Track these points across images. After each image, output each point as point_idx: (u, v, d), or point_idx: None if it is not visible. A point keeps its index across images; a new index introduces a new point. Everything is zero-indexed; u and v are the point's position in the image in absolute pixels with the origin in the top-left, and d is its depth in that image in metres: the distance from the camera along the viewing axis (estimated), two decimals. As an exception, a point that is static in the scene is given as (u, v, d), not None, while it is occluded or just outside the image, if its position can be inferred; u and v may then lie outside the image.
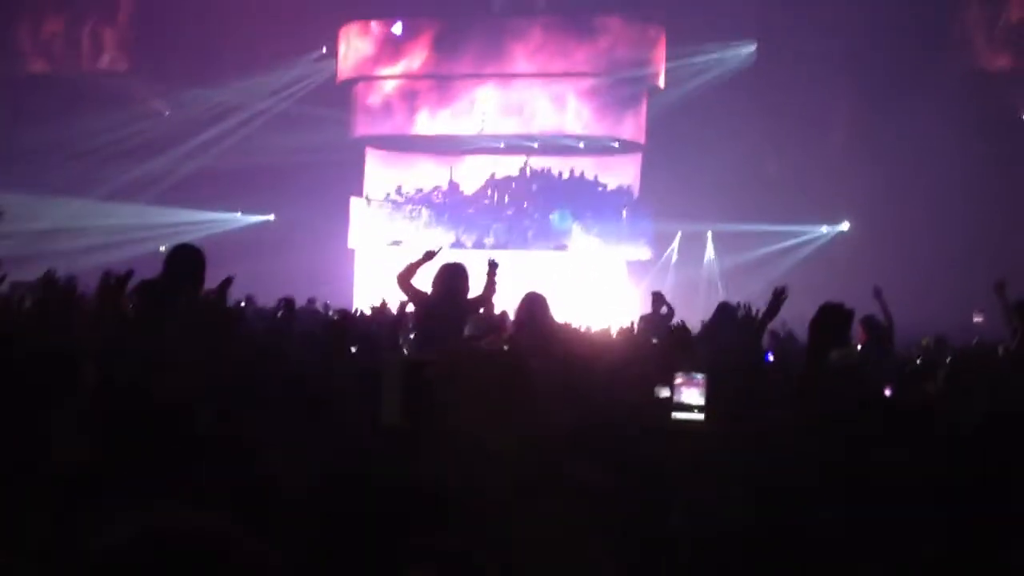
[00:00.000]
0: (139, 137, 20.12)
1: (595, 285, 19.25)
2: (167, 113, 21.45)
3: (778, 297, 6.19)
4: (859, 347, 7.92)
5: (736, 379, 5.40)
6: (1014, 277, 7.99)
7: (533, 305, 6.67)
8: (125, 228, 18.74)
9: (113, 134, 19.53)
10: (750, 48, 20.27)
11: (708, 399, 4.94)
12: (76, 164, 18.92)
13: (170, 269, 5.74)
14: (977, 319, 14.19)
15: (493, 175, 21.48)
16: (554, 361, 5.27)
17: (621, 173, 21.30)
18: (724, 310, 7.57)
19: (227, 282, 6.13)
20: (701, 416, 4.84)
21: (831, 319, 5.16)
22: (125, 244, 17.15)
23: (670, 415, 4.82)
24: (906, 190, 17.62)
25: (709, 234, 20.57)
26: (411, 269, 7.22)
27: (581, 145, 21.31)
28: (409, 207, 21.14)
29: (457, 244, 19.61)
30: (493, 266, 7.51)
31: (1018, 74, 19.37)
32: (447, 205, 21.17)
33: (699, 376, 4.93)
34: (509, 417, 2.40)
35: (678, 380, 4.98)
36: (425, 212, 20.98)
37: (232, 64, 20.82)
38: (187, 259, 5.80)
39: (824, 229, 20.24)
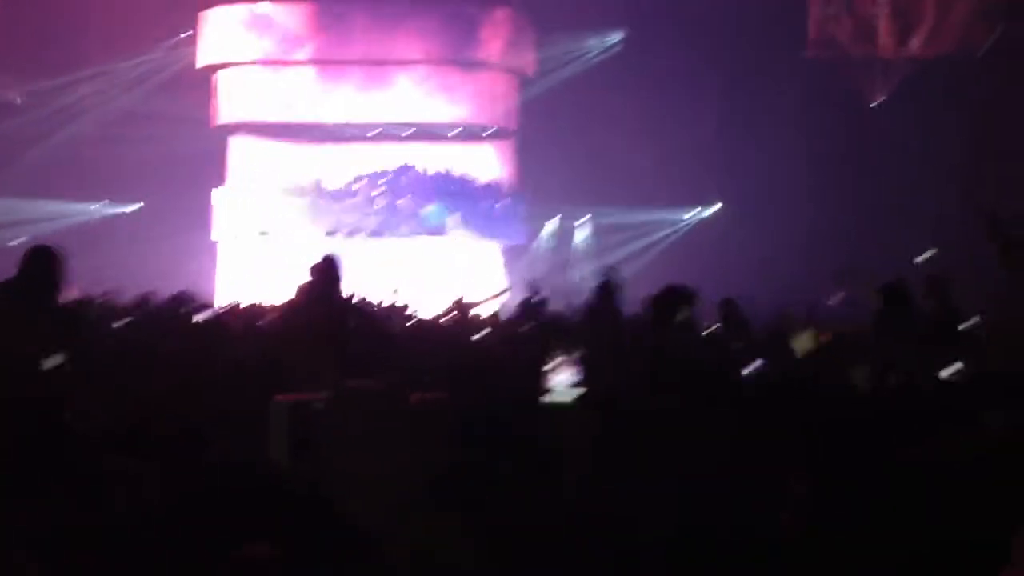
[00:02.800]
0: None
1: (469, 272, 19.17)
2: (18, 102, 20.44)
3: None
4: (716, 326, 7.99)
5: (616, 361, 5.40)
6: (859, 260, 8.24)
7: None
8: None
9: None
10: (617, 36, 20.56)
11: (583, 382, 4.93)
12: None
13: (24, 272, 5.45)
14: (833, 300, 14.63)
15: (365, 164, 21.09)
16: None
17: (494, 161, 21.25)
18: (603, 291, 7.60)
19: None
20: (572, 396, 4.76)
21: (667, 298, 5.33)
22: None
23: (541, 396, 4.76)
24: (773, 173, 18.12)
25: (582, 220, 20.77)
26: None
27: (454, 133, 21.17)
28: (279, 196, 20.59)
29: (330, 234, 19.25)
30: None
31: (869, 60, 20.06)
32: (317, 194, 20.68)
33: (574, 358, 4.91)
34: (391, 451, 2.43)
35: (553, 363, 4.94)
36: (295, 201, 20.47)
37: (91, 52, 20.01)
38: (42, 262, 5.52)
39: (692, 213, 20.68)
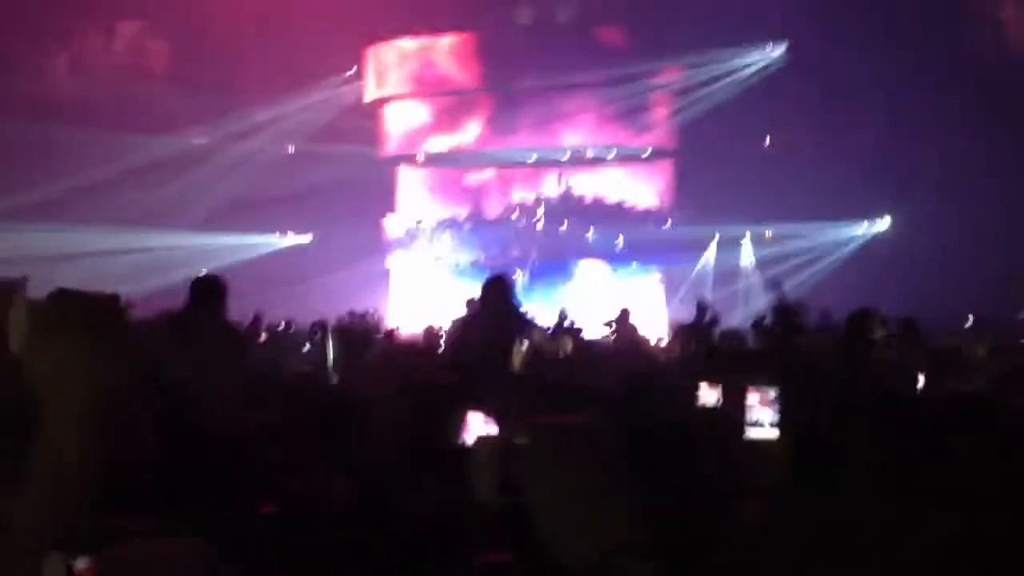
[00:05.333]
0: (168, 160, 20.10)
1: (634, 296, 19.13)
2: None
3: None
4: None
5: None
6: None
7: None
8: (160, 254, 18.83)
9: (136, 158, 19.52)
10: (779, 49, 20.13)
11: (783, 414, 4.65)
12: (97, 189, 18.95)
13: (191, 297, 5.89)
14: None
15: (525, 191, 21.45)
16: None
17: (653, 182, 21.21)
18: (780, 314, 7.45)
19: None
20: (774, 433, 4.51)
21: (862, 320, 5.02)
22: (164, 270, 17.03)
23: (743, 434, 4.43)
24: (943, 187, 17.36)
25: (747, 237, 20.37)
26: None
27: (611, 156, 21.23)
28: (444, 225, 21.18)
29: (492, 262, 19.59)
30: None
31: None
32: (480, 223, 21.17)
33: (771, 391, 4.50)
34: (597, 484, 2.40)
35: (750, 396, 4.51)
36: (457, 231, 21.01)
37: (258, 87, 20.95)
38: (205, 288, 5.94)
39: (863, 227, 20.00)
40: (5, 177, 17.59)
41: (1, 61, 19.31)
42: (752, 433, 4.47)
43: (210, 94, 20.24)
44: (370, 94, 21.68)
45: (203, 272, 7.75)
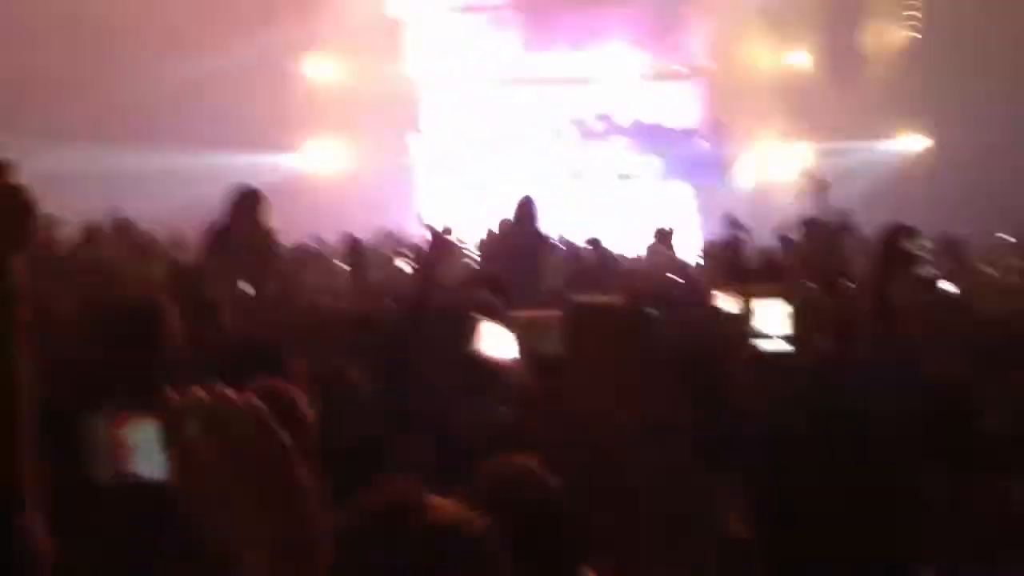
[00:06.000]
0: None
1: (664, 214, 18.97)
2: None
3: None
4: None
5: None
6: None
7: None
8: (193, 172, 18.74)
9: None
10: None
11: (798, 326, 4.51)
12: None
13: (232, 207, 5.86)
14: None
15: (561, 110, 21.07)
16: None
17: (688, 100, 20.79)
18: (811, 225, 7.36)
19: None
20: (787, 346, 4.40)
21: (897, 236, 4.86)
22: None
23: (752, 343, 4.41)
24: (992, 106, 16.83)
25: (782, 154, 20.00)
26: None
27: (645, 73, 20.79)
28: (477, 144, 20.95)
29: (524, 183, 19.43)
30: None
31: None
32: (512, 143, 20.88)
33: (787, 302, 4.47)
34: (633, 362, 2.34)
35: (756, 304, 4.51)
36: (489, 152, 20.79)
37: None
38: (245, 198, 5.91)
39: (901, 144, 19.54)
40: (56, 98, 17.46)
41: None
42: (765, 345, 4.38)
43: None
44: (392, 7, 21.24)
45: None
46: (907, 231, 4.96)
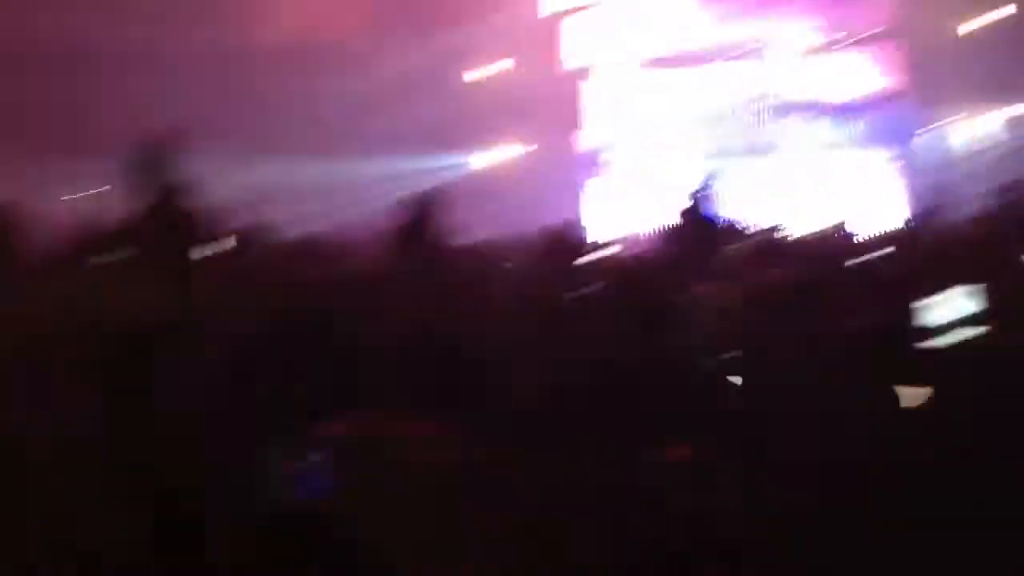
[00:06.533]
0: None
1: (857, 185, 18.11)
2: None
3: None
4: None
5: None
6: None
7: None
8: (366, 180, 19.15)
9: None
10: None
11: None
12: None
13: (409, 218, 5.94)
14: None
15: (736, 85, 20.33)
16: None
17: (875, 65, 19.65)
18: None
19: None
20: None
21: None
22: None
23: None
24: None
25: (977, 120, 18.67)
26: None
27: (831, 41, 19.80)
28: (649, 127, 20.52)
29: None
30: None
31: None
32: (688, 120, 20.31)
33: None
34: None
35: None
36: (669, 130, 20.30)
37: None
38: (421, 208, 6.04)
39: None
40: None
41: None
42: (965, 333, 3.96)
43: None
44: (545, 8, 21.01)
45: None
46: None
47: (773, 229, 11.63)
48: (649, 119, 20.54)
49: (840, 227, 11.44)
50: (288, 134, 18.79)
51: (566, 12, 20.99)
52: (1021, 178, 8.86)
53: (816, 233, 11.74)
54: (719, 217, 7.77)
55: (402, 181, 18.09)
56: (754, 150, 19.35)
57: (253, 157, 17.49)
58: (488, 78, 21.04)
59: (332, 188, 18.24)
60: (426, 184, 17.83)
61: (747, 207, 12.95)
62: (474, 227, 13.54)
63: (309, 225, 11.86)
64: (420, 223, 6.00)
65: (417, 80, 20.89)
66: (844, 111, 19.29)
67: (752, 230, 11.10)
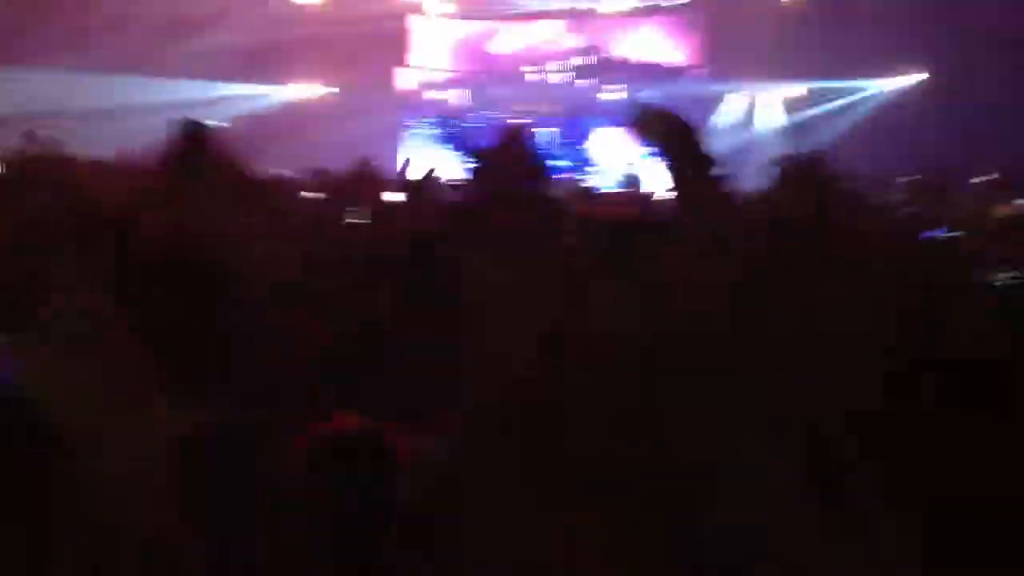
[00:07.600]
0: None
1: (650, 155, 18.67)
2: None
3: None
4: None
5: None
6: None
7: None
8: (171, 104, 18.37)
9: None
10: None
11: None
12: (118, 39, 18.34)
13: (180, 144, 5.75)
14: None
15: (543, 45, 20.63)
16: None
17: (676, 37, 20.34)
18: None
19: None
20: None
21: None
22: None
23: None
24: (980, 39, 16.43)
25: (769, 94, 19.62)
26: None
27: (633, 8, 20.30)
28: (460, 81, 20.54)
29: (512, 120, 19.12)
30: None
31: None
32: (499, 79, 20.47)
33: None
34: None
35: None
36: (476, 86, 20.40)
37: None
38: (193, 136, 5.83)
39: (893, 82, 19.14)
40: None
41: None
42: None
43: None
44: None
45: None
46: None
47: (580, 180, 12.01)
48: (461, 68, 20.61)
49: (634, 180, 11.87)
50: (91, 52, 17.70)
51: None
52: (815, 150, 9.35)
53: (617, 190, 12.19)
54: (539, 153, 7.78)
55: (205, 108, 17.56)
56: (565, 110, 19.62)
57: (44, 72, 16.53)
58: (311, 7, 20.48)
59: (125, 110, 17.30)
60: (230, 112, 17.64)
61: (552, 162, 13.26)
62: (278, 163, 13.33)
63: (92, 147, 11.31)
64: (193, 151, 5.79)
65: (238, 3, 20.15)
66: (650, 77, 19.79)
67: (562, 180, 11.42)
